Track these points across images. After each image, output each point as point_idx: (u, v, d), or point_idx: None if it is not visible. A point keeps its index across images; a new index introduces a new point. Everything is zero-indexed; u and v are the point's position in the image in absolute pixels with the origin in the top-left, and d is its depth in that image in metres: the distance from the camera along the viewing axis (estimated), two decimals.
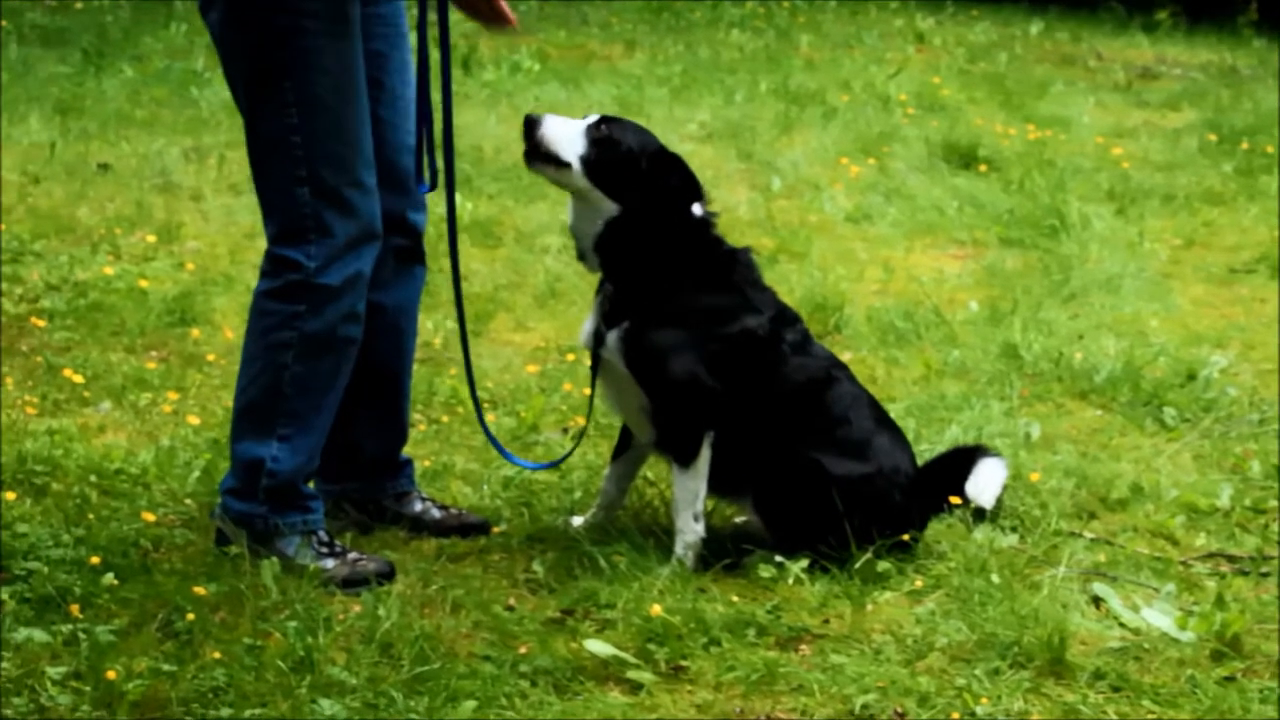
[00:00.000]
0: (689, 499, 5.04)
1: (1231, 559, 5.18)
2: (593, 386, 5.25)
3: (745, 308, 5.07)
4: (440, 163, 5.11)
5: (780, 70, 13.41)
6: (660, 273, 5.04)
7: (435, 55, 5.17)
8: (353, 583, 4.86)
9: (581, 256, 5.13)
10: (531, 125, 5.00)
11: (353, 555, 4.97)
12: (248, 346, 4.99)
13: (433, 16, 5.11)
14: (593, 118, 5.08)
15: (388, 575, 4.92)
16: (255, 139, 4.88)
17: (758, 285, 5.15)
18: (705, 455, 5.04)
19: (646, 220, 5.02)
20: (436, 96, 5.13)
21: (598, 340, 5.12)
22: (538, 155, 5.00)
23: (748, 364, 5.02)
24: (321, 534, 4.99)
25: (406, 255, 5.16)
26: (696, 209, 5.08)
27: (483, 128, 10.64)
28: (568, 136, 5.00)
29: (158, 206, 8.96)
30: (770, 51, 14.62)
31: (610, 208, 5.02)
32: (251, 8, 4.74)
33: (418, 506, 5.37)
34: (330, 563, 4.91)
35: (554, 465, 5.58)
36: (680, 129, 11.09)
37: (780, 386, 5.06)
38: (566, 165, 4.99)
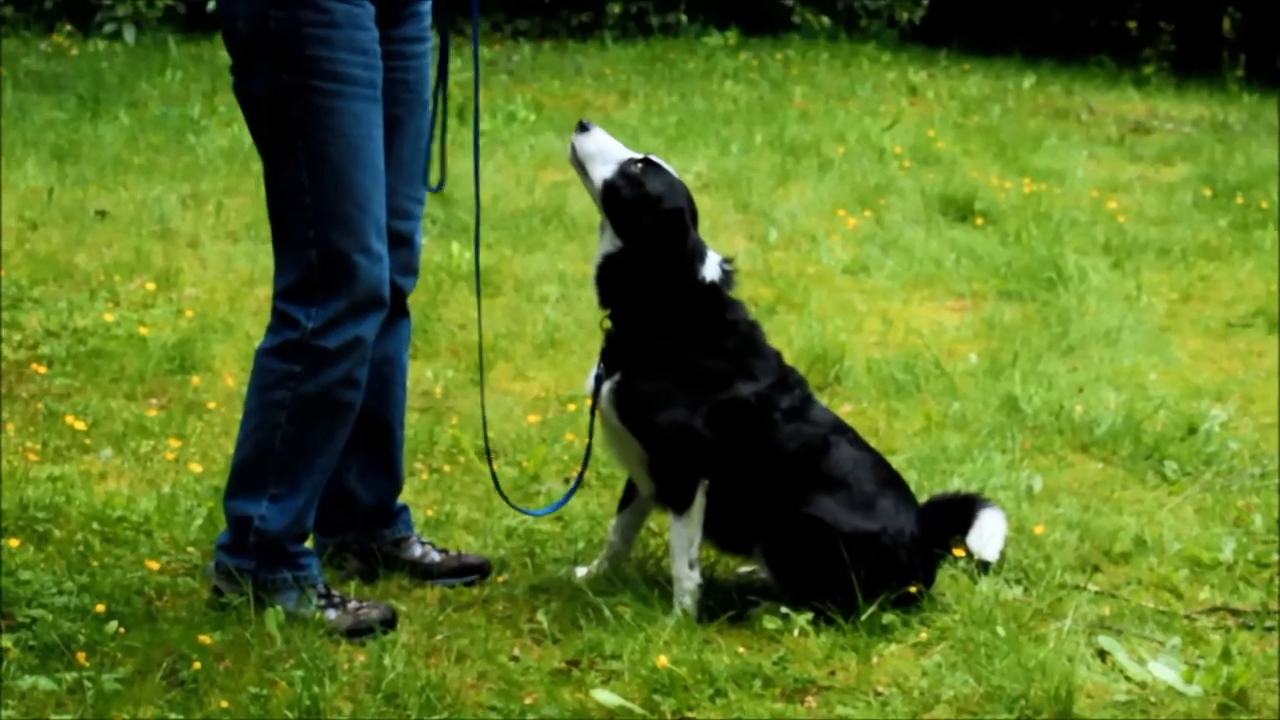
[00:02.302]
0: (684, 545, 5.05)
1: (1236, 613, 5.18)
2: (590, 433, 5.26)
3: (740, 374, 5.07)
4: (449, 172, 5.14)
5: (775, 121, 13.45)
6: (655, 325, 5.07)
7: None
8: (357, 632, 4.85)
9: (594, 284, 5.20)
10: (581, 129, 5.14)
11: (353, 604, 4.96)
12: (248, 402, 4.98)
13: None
14: (640, 155, 5.14)
15: (390, 622, 4.91)
16: (270, 194, 4.89)
17: (758, 351, 5.16)
18: (699, 503, 5.04)
19: (642, 267, 5.06)
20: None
21: (596, 390, 5.14)
22: (574, 158, 5.14)
23: (738, 430, 5.03)
24: (320, 586, 4.98)
25: (391, 310, 5.14)
26: (707, 273, 5.10)
27: (479, 176, 10.63)
28: (603, 157, 5.11)
29: (156, 253, 8.96)
30: (765, 103, 14.66)
31: (614, 240, 5.10)
32: (268, 65, 4.75)
33: (417, 551, 5.37)
34: (332, 614, 4.90)
35: (554, 509, 5.60)
36: None
37: (774, 453, 5.06)
38: (590, 181, 5.10)
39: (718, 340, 5.09)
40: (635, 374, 5.07)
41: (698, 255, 5.10)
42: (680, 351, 5.06)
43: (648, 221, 5.05)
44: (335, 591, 5.01)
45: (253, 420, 4.95)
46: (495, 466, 6.19)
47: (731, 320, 5.14)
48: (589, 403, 5.21)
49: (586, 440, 5.34)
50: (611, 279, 5.12)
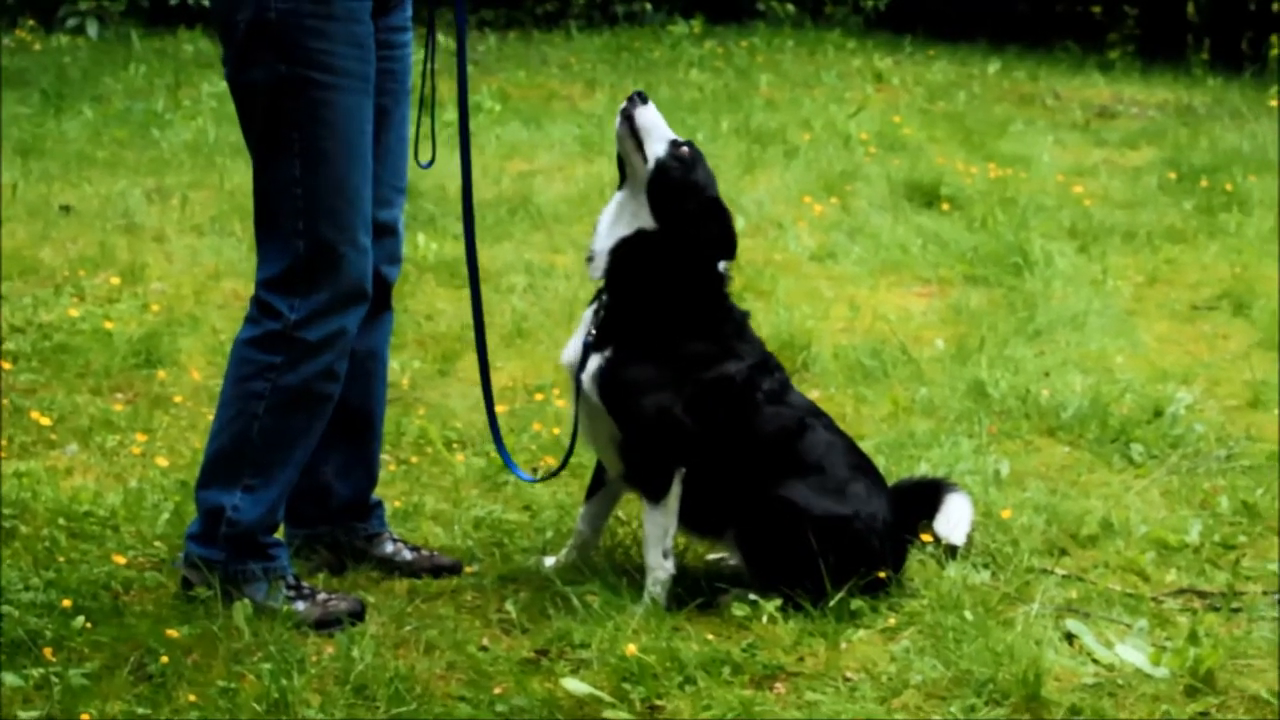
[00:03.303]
0: (659, 535, 5.04)
1: (1203, 595, 5.19)
2: (575, 409, 5.21)
3: (727, 355, 5.07)
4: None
5: (741, 109, 13.45)
6: (658, 308, 5.05)
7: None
8: (325, 624, 4.84)
9: (591, 258, 5.14)
10: (641, 99, 5.08)
11: (322, 596, 4.95)
12: (224, 392, 4.97)
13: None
14: (683, 139, 5.12)
15: (359, 614, 4.90)
16: (260, 186, 4.87)
17: (745, 337, 5.16)
18: (675, 492, 5.03)
19: (673, 250, 5.04)
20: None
21: (581, 362, 5.11)
22: (630, 128, 5.06)
23: (721, 409, 5.03)
24: (289, 578, 4.97)
25: (375, 302, 5.14)
26: (720, 265, 5.10)
27: (446, 167, 10.57)
28: (658, 133, 5.07)
29: (121, 248, 8.92)
30: (730, 91, 14.66)
31: (648, 221, 5.06)
32: (266, 57, 4.73)
33: (389, 548, 5.35)
34: (301, 605, 4.89)
35: (554, 475, 5.57)
36: None
37: (752, 434, 5.06)
38: (643, 157, 5.05)
39: (717, 326, 5.09)
40: (626, 353, 5.04)
41: (725, 249, 5.10)
42: (678, 335, 5.05)
43: (692, 207, 5.04)
44: (304, 583, 5.00)
45: (229, 410, 4.93)
46: (462, 458, 6.21)
47: (729, 307, 5.15)
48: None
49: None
50: (632, 257, 5.08)
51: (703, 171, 5.09)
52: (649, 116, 5.08)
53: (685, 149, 5.07)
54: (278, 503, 4.97)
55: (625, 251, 5.08)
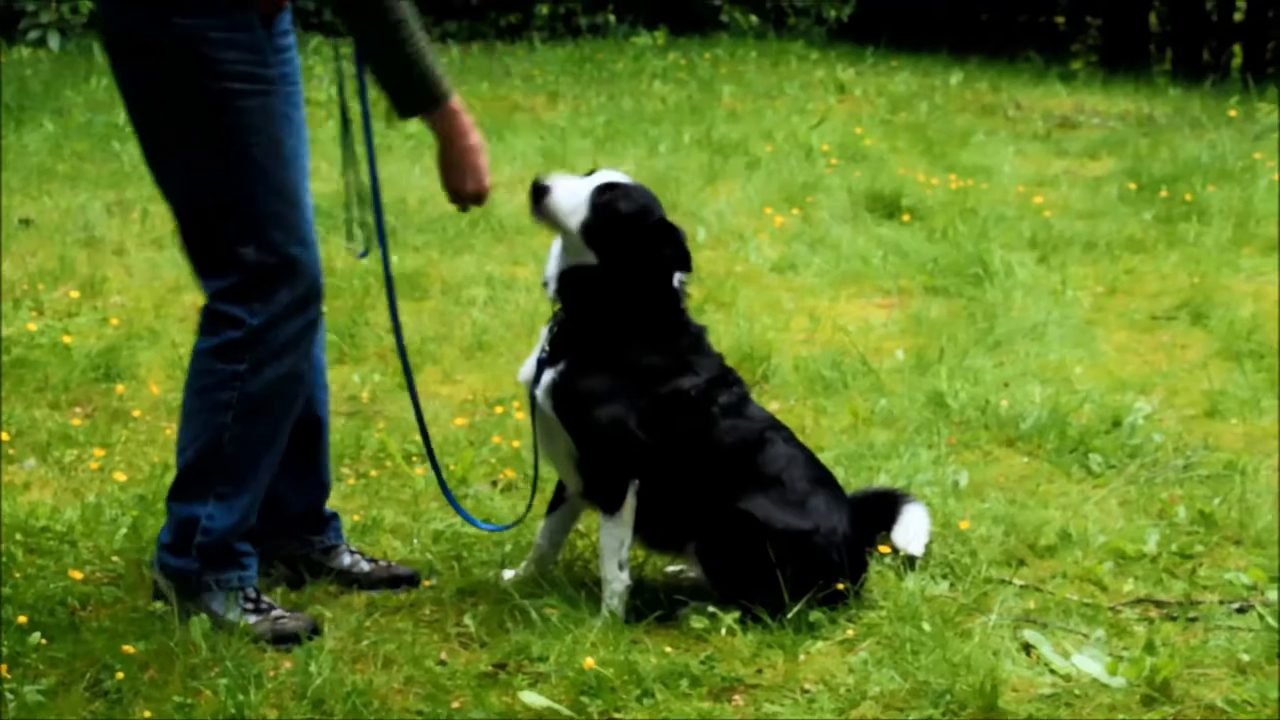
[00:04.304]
0: (614, 547, 5.04)
1: (1160, 604, 5.21)
2: (533, 428, 5.22)
3: (682, 369, 5.07)
4: (371, 220, 5.12)
5: (704, 121, 13.46)
6: (614, 323, 5.04)
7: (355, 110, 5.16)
8: (282, 639, 4.82)
9: (546, 283, 5.13)
10: (540, 192, 4.97)
11: (276, 612, 4.93)
12: (187, 403, 4.93)
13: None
14: (599, 178, 5.04)
15: (314, 632, 4.88)
16: (190, 202, 4.80)
17: (702, 350, 5.16)
18: (630, 504, 5.03)
19: (623, 279, 5.01)
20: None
21: (535, 378, 5.11)
22: (541, 217, 5.00)
23: (677, 423, 5.03)
24: (250, 591, 4.96)
25: None
26: (676, 279, 5.10)
27: (407, 180, 10.61)
28: (573, 203, 4.97)
29: (81, 261, 8.90)
30: (693, 102, 14.67)
31: (592, 259, 5.02)
32: (181, 75, 4.68)
33: (346, 560, 5.35)
34: (253, 619, 4.87)
35: (514, 525, 5.54)
36: None
37: (710, 448, 5.06)
38: (567, 228, 4.99)
39: (672, 339, 5.09)
40: (579, 367, 5.04)
41: (680, 263, 5.09)
42: (631, 350, 5.04)
43: (635, 242, 4.98)
44: (263, 597, 4.98)
45: (197, 422, 4.90)
46: (422, 471, 6.20)
47: (685, 321, 5.14)
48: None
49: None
50: (580, 287, 5.05)
51: (633, 203, 5.02)
52: (554, 202, 4.97)
53: (608, 195, 4.99)
54: (251, 507, 4.96)
55: (573, 279, 5.06)
